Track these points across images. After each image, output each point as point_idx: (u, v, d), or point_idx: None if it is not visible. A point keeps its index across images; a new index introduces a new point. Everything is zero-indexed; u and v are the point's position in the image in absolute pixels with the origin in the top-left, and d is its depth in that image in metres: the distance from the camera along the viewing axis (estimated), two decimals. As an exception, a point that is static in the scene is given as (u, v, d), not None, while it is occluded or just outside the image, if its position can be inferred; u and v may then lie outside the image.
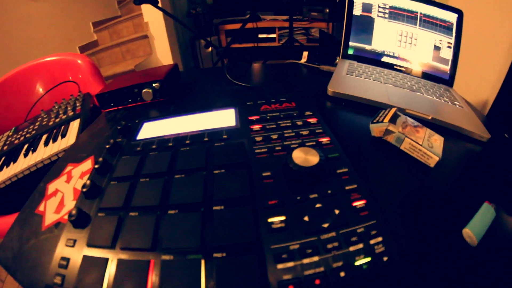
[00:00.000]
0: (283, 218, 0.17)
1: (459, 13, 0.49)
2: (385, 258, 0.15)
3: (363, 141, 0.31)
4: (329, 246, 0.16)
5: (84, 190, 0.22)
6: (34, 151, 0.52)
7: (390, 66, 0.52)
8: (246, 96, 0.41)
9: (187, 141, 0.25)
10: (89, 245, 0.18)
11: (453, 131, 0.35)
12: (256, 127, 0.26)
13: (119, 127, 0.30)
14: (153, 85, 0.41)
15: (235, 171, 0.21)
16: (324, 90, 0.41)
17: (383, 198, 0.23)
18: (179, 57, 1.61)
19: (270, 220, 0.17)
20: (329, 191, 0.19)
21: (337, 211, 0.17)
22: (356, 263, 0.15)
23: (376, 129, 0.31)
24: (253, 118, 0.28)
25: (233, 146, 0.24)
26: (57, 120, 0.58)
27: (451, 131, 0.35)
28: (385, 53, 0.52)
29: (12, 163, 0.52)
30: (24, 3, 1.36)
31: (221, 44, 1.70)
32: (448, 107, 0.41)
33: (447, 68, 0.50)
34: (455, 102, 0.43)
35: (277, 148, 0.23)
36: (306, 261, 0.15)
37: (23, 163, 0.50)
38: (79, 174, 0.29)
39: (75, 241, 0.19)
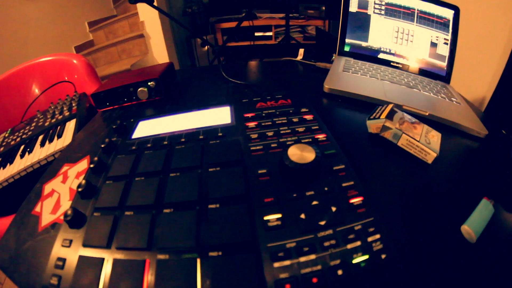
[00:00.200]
0: (279, 216, 0.17)
1: (456, 9, 0.48)
2: (383, 256, 0.15)
3: (360, 138, 0.31)
4: (326, 244, 0.15)
5: (80, 190, 0.22)
6: (30, 152, 0.51)
7: (386, 63, 0.51)
8: (242, 94, 0.41)
9: (182, 139, 0.25)
10: (85, 245, 0.18)
11: (451, 127, 0.35)
12: (252, 124, 0.26)
13: (114, 126, 0.29)
14: (149, 83, 0.40)
15: (230, 169, 0.20)
16: (320, 87, 0.41)
17: (381, 195, 0.23)
18: (175, 56, 1.60)
19: (266, 218, 0.17)
20: (325, 188, 0.19)
21: (334, 208, 0.17)
22: (354, 261, 0.15)
23: (373, 126, 0.31)
24: (249, 115, 0.27)
25: (228, 143, 0.23)
26: (53, 120, 0.58)
27: (448, 127, 0.35)
28: (382, 49, 0.52)
29: (8, 164, 0.51)
30: (20, 3, 1.33)
31: (217, 43, 1.69)
32: (445, 104, 0.40)
33: (443, 64, 0.50)
34: (452, 99, 0.42)
35: (272, 145, 0.23)
36: (303, 259, 0.15)
37: (19, 164, 0.49)
38: (75, 174, 0.29)
39: (71, 241, 0.19)
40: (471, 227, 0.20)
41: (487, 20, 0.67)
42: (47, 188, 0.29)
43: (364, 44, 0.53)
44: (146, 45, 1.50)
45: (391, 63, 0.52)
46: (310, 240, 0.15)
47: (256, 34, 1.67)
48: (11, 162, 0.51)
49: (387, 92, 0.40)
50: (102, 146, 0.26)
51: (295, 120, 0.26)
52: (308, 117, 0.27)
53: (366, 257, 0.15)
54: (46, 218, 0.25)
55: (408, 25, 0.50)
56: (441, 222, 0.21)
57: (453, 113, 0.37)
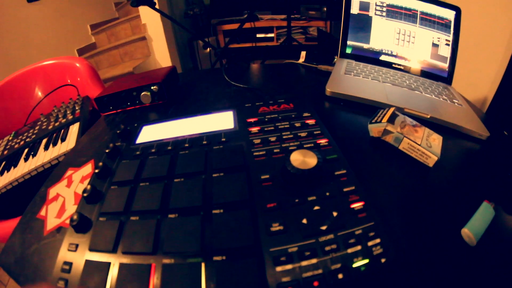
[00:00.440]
0: (281, 221, 0.17)
1: (457, 10, 0.49)
2: (383, 260, 0.16)
3: (362, 142, 0.31)
4: (327, 248, 0.16)
5: (85, 195, 0.23)
6: (34, 155, 0.52)
7: (388, 65, 0.52)
8: (245, 98, 0.41)
9: (186, 145, 0.26)
10: (91, 249, 0.19)
11: (452, 129, 0.35)
12: (254, 129, 0.26)
13: (118, 131, 0.30)
14: (152, 88, 0.41)
15: (234, 174, 0.21)
16: (322, 90, 0.41)
17: (382, 199, 0.23)
18: (177, 58, 1.61)
19: (269, 223, 0.17)
20: (327, 193, 0.19)
21: (335, 213, 0.18)
22: (354, 265, 0.15)
23: (374, 129, 0.31)
24: (251, 120, 0.28)
25: (231, 149, 0.24)
26: (57, 124, 0.59)
27: (450, 129, 0.35)
28: (383, 51, 0.52)
29: (12, 167, 0.52)
30: (22, 6, 1.36)
31: (219, 45, 1.70)
32: (447, 105, 0.41)
33: (445, 65, 0.50)
34: (454, 100, 0.43)
35: (275, 150, 0.23)
36: (304, 263, 0.15)
37: (23, 168, 0.50)
38: (79, 178, 0.30)
39: (77, 245, 0.20)
40: (471, 231, 0.20)
41: (488, 21, 0.67)
42: (52, 192, 0.30)
43: (365, 46, 0.53)
44: (148, 48, 1.52)
45: (393, 65, 0.52)
46: (312, 245, 0.16)
47: (258, 35, 1.69)
48: (15, 166, 0.52)
49: (389, 95, 0.41)
50: (107, 151, 0.27)
51: (297, 125, 0.27)
52: (310, 121, 0.27)
53: (366, 261, 0.15)
54: (52, 222, 0.26)
55: (409, 26, 0.51)
56: (442, 226, 0.21)
57: (455, 115, 0.38)
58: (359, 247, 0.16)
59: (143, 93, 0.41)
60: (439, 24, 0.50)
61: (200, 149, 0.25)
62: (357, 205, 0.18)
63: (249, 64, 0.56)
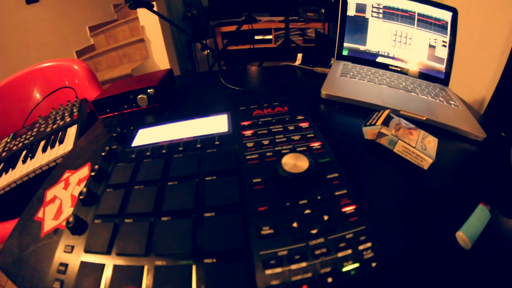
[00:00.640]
0: (272, 224, 0.18)
1: (454, 11, 0.49)
2: (373, 264, 0.16)
3: (357, 144, 0.32)
4: (317, 252, 0.16)
5: (81, 197, 0.23)
6: (32, 157, 0.53)
7: (385, 67, 0.52)
8: (240, 100, 0.42)
9: (180, 148, 0.26)
10: (87, 251, 0.19)
11: (449, 131, 0.35)
12: (248, 132, 0.27)
13: (114, 134, 0.31)
14: (148, 91, 0.42)
15: (226, 178, 0.21)
16: (318, 92, 0.42)
17: (376, 202, 0.23)
18: (175, 60, 1.62)
19: (259, 226, 0.18)
20: (318, 197, 0.19)
21: (326, 217, 0.18)
22: (344, 269, 0.15)
23: (369, 132, 0.31)
24: (245, 123, 0.29)
25: (224, 152, 0.24)
26: (55, 126, 0.59)
27: (446, 131, 0.35)
28: (380, 53, 0.53)
29: (11, 169, 0.53)
30: (21, 8, 1.37)
31: (217, 47, 1.71)
32: (443, 107, 0.41)
33: (442, 67, 0.50)
34: (451, 102, 0.43)
35: (268, 154, 0.24)
36: (294, 267, 0.15)
37: (21, 170, 0.51)
38: (76, 181, 0.30)
39: (73, 247, 0.20)
40: (466, 234, 0.20)
41: (485, 22, 0.68)
42: (49, 194, 0.30)
43: (362, 48, 0.54)
44: (147, 50, 1.53)
45: (390, 67, 0.52)
46: (302, 248, 0.16)
47: (256, 37, 1.70)
48: (13, 167, 0.53)
49: (385, 97, 0.41)
50: (103, 154, 0.28)
51: (290, 128, 0.27)
52: (304, 124, 0.28)
53: (356, 265, 0.16)
54: (49, 224, 0.26)
55: (406, 28, 0.51)
56: (436, 229, 0.21)
57: (451, 117, 0.38)
58: (349, 251, 0.16)
59: (139, 96, 0.42)
60: (436, 25, 0.50)
61: (194, 152, 0.25)
62: (348, 209, 0.19)
63: (246, 66, 0.56)
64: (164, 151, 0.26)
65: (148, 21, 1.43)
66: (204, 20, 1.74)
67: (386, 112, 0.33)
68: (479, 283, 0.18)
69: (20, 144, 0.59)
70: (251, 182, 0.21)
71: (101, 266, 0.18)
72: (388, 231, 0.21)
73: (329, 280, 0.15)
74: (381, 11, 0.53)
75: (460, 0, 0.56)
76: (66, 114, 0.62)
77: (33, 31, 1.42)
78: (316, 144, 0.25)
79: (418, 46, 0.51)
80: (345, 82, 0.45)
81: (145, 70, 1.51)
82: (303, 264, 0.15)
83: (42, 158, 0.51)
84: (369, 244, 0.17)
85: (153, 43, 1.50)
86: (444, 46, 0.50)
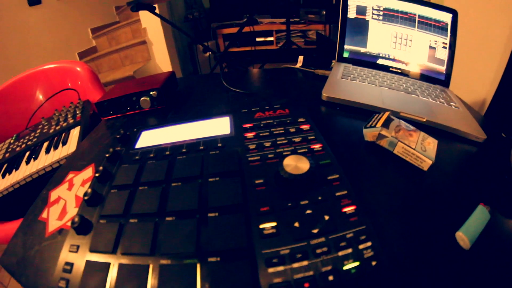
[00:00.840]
0: (274, 224, 0.18)
1: (454, 13, 0.49)
2: (373, 263, 0.16)
3: (357, 146, 0.32)
4: (319, 251, 0.17)
5: (86, 198, 0.24)
6: (35, 158, 0.53)
7: (385, 68, 0.52)
8: (242, 103, 0.42)
9: (184, 150, 0.27)
10: (92, 250, 0.20)
11: (449, 132, 0.36)
12: (250, 135, 0.27)
13: (118, 136, 0.31)
14: (151, 93, 0.43)
15: (229, 179, 0.22)
16: (318, 94, 0.42)
17: (376, 202, 0.24)
18: (177, 62, 1.64)
19: (261, 226, 0.18)
20: (319, 198, 0.20)
21: (327, 217, 0.18)
22: (345, 268, 0.16)
23: (369, 134, 0.32)
24: (247, 126, 0.29)
25: (227, 154, 0.25)
26: (58, 127, 0.60)
27: (446, 132, 0.36)
28: (381, 55, 0.53)
29: (14, 170, 0.54)
30: (23, 10, 1.39)
31: (219, 49, 1.73)
32: (444, 109, 0.41)
33: (442, 68, 0.51)
34: (451, 103, 0.43)
35: (269, 155, 0.24)
36: (295, 265, 0.16)
37: (25, 170, 0.52)
38: (80, 182, 0.31)
39: (78, 247, 0.21)
40: (466, 234, 0.20)
41: (486, 23, 0.68)
42: (53, 195, 0.31)
43: (363, 50, 0.54)
44: (149, 52, 1.55)
45: (390, 69, 0.53)
46: (303, 247, 0.17)
47: (258, 39, 1.71)
48: (16, 168, 0.53)
49: (385, 99, 0.41)
50: (107, 155, 0.28)
51: (292, 130, 0.28)
52: (305, 126, 0.28)
53: (356, 263, 0.16)
54: (53, 224, 0.27)
55: (406, 30, 0.51)
56: (436, 229, 0.21)
57: (451, 118, 0.38)
58: (350, 250, 0.17)
59: (142, 98, 0.43)
60: (436, 27, 0.51)
61: (197, 154, 0.26)
62: (349, 209, 0.19)
63: (247, 68, 0.57)
64: (167, 152, 0.27)
65: (150, 23, 1.45)
66: (206, 22, 1.76)
67: (386, 114, 0.34)
68: (478, 283, 0.18)
69: (23, 145, 0.60)
70: (253, 183, 0.21)
71: (107, 265, 0.18)
72: (388, 231, 0.21)
73: (330, 278, 0.15)
74: (381, 13, 0.53)
75: (460, 2, 0.56)
76: (69, 116, 0.62)
77: (35, 33, 1.43)
78: (317, 146, 0.25)
79: (418, 48, 0.51)
80: (346, 84, 0.45)
81: (147, 72, 1.52)
82: (305, 263, 0.16)
83: (46, 159, 0.51)
84: (369, 244, 0.17)
85: (155, 45, 1.51)
86: (445, 47, 0.51)
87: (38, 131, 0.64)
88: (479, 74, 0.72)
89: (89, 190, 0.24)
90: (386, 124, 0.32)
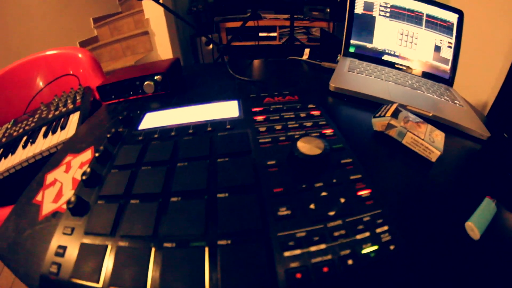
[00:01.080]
0: (289, 206, 0.16)
1: (460, 13, 0.48)
2: (391, 247, 0.15)
3: (364, 136, 0.31)
4: (336, 234, 0.15)
5: (84, 177, 0.22)
6: (33, 143, 0.51)
7: (390, 65, 0.51)
8: (249, 90, 0.40)
9: (190, 131, 0.25)
10: (87, 232, 0.18)
11: (453, 128, 0.35)
12: (260, 118, 0.26)
13: (120, 117, 0.29)
14: (155, 77, 0.40)
15: (239, 159, 0.20)
16: (325, 86, 0.41)
17: (385, 192, 0.23)
18: (179, 54, 1.59)
19: (276, 207, 0.16)
20: (334, 180, 0.18)
21: (342, 200, 0.17)
22: (363, 251, 0.15)
23: (378, 123, 0.31)
24: (257, 109, 0.27)
25: (236, 135, 0.23)
26: (57, 112, 0.57)
27: (451, 128, 0.35)
28: (386, 51, 0.52)
29: (10, 154, 0.51)
30: (25, -3, 1.33)
31: (221, 42, 1.69)
32: (449, 106, 0.40)
33: (447, 67, 0.50)
34: (456, 101, 0.42)
35: (281, 138, 0.23)
36: (313, 248, 0.14)
37: (21, 155, 0.49)
38: (78, 164, 0.28)
39: (73, 229, 0.19)
40: (475, 224, 0.20)
41: (490, 24, 0.68)
42: (49, 177, 0.29)
43: (369, 45, 0.53)
44: (151, 42, 1.50)
45: (395, 65, 0.52)
46: (320, 230, 0.15)
47: (261, 34, 1.68)
48: (13, 153, 0.50)
49: (392, 93, 0.40)
50: (108, 135, 0.26)
51: (302, 115, 0.26)
52: (315, 112, 0.27)
53: (375, 247, 0.15)
54: (47, 207, 0.25)
55: (412, 27, 0.51)
56: (444, 219, 0.21)
57: (456, 115, 0.37)
58: (367, 234, 0.15)
59: (146, 83, 0.40)
60: (442, 26, 0.50)
61: (205, 135, 0.24)
62: (364, 193, 0.18)
63: (252, 59, 0.55)
64: (173, 133, 0.25)
65: (153, 13, 1.41)
66: (209, 15, 1.71)
67: (395, 105, 0.32)
68: (487, 272, 0.17)
69: (20, 130, 0.57)
70: (265, 164, 0.20)
71: (104, 248, 0.16)
72: (397, 220, 0.20)
73: (350, 262, 0.14)
74: (388, 10, 0.52)
75: (466, 3, 0.55)
76: (69, 101, 0.59)
77: (37, 20, 1.38)
78: (328, 131, 0.24)
79: (424, 46, 0.50)
80: (353, 77, 0.44)
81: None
82: (322, 246, 0.14)
83: (43, 144, 0.49)
84: (386, 228, 0.16)
85: (157, 36, 1.47)
86: (450, 47, 0.50)
87: (37, 116, 0.60)
88: (482, 75, 0.71)
89: (88, 169, 0.22)
90: (395, 115, 0.30)
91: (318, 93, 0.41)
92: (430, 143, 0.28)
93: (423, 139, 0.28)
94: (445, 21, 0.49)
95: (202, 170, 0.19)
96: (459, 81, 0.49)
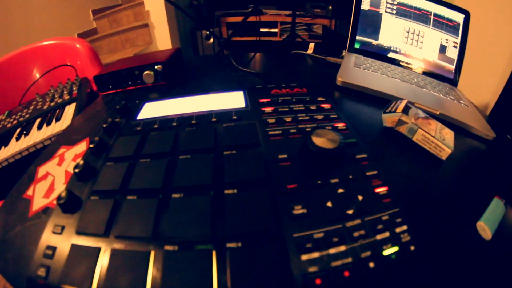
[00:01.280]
0: (304, 203, 0.15)
1: (466, 13, 0.47)
2: (412, 248, 0.13)
3: (373, 132, 0.29)
4: (356, 234, 0.13)
5: (77, 170, 0.19)
6: (26, 134, 0.47)
7: (395, 62, 0.50)
8: (253, 82, 0.38)
9: (193, 121, 0.22)
10: (79, 232, 0.15)
11: (459, 127, 0.34)
12: (268, 109, 0.23)
13: (118, 107, 0.27)
14: (156, 67, 0.38)
15: (248, 151, 0.18)
16: (331, 80, 0.39)
17: (394, 189, 0.21)
18: (179, 47, 1.54)
19: (290, 205, 0.15)
20: (350, 176, 0.17)
21: (360, 197, 0.15)
22: (384, 253, 0.13)
23: (388, 119, 0.29)
24: (264, 100, 0.25)
25: (244, 127, 0.21)
26: (52, 104, 0.54)
27: (456, 128, 0.34)
28: (392, 49, 0.50)
29: (3, 147, 0.47)
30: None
31: (222, 37, 1.64)
32: (455, 105, 0.39)
33: (452, 67, 0.49)
34: (461, 101, 0.41)
35: (292, 131, 0.20)
36: (332, 251, 0.13)
37: (14, 147, 0.46)
38: (72, 156, 0.26)
39: (63, 227, 0.16)
40: (487, 224, 0.19)
41: (494, 26, 0.66)
42: (41, 170, 0.26)
43: (374, 42, 0.51)
44: (150, 35, 1.45)
45: (400, 63, 0.50)
46: (339, 230, 0.13)
47: (262, 30, 1.63)
48: (5, 145, 0.47)
49: (399, 89, 0.39)
50: (104, 125, 0.24)
51: (312, 107, 0.24)
52: (326, 106, 0.25)
53: (396, 248, 0.13)
54: (38, 202, 0.22)
55: (418, 26, 0.49)
56: (455, 218, 0.19)
57: (462, 114, 0.36)
58: (387, 234, 0.14)
59: (146, 72, 0.38)
60: (448, 26, 0.49)
61: (209, 126, 0.21)
62: (381, 190, 0.16)
63: (255, 52, 0.52)
64: (174, 124, 0.22)
65: (154, 6, 1.35)
66: (210, 9, 1.66)
67: (405, 101, 0.31)
68: (500, 273, 0.16)
69: (15, 122, 0.53)
70: (277, 158, 0.18)
71: (96, 251, 0.14)
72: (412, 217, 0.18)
73: (371, 265, 0.12)
74: (395, 7, 0.51)
75: (470, 4, 0.54)
76: (65, 92, 0.56)
77: (36, 11, 1.32)
78: (340, 125, 0.22)
79: (429, 45, 0.49)
80: (360, 72, 0.42)
81: (148, 57, 1.42)
82: (342, 248, 0.13)
83: (37, 136, 0.46)
84: (405, 227, 0.14)
85: (157, 29, 1.42)
86: (455, 47, 0.49)
87: (32, 107, 0.57)
88: (484, 77, 0.70)
89: (81, 162, 0.20)
90: (405, 111, 0.29)
91: (325, 87, 0.39)
92: (441, 140, 0.27)
93: (434, 137, 0.27)
94: (451, 20, 0.48)
95: (207, 164, 0.17)
96: (461, 82, 0.48)
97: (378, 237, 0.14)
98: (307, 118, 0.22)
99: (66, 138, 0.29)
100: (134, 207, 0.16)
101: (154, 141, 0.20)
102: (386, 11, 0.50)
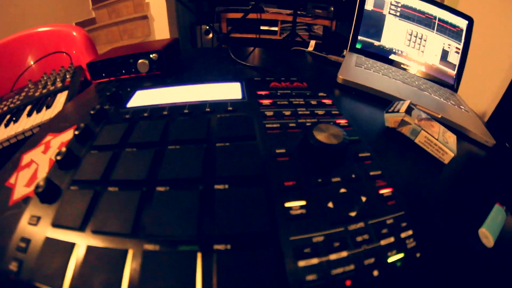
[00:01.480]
0: (303, 203, 0.13)
1: (470, 20, 0.46)
2: (417, 254, 0.12)
3: (374, 132, 0.28)
4: (359, 238, 0.12)
5: (58, 158, 0.17)
6: (16, 121, 0.45)
7: (397, 64, 0.49)
8: (252, 75, 0.36)
9: (186, 111, 0.20)
10: (55, 224, 0.14)
11: (459, 133, 0.33)
12: (266, 102, 0.22)
13: (108, 93, 0.25)
14: (151, 56, 0.35)
15: (243, 144, 0.16)
16: (332, 78, 0.37)
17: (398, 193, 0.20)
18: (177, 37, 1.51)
19: (287, 205, 0.13)
20: (353, 175, 0.15)
21: (364, 198, 0.14)
22: (389, 260, 0.11)
23: (391, 119, 0.28)
24: (262, 93, 0.23)
25: (239, 118, 0.19)
26: (44, 91, 0.51)
27: (456, 132, 0.33)
28: (393, 51, 0.49)
29: (-11, 133, 0.45)
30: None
31: (221, 32, 1.61)
32: (455, 110, 0.38)
33: (453, 72, 0.48)
34: (461, 106, 0.41)
35: (291, 125, 0.19)
36: (333, 257, 0.11)
37: (3, 134, 0.43)
38: (58, 144, 0.24)
39: (39, 218, 0.15)
40: (489, 231, 0.18)
41: (495, 34, 0.66)
42: (26, 158, 0.24)
43: (376, 43, 0.50)
44: (149, 27, 1.41)
45: (401, 65, 0.49)
46: (340, 234, 0.12)
47: (262, 27, 1.60)
48: (-7, 131, 0.45)
49: (400, 90, 0.38)
50: (92, 112, 0.22)
51: (313, 102, 0.22)
52: (327, 101, 0.23)
53: (401, 255, 0.12)
54: (20, 191, 0.20)
55: (421, 29, 0.48)
56: (457, 224, 0.18)
57: (464, 120, 0.36)
58: (392, 239, 0.12)
59: (140, 61, 0.35)
60: (451, 31, 0.48)
61: (202, 116, 0.20)
62: (385, 191, 0.15)
63: (255, 47, 0.50)
64: (165, 112, 0.20)
65: (154, -2, 1.31)
66: (211, 4, 1.62)
67: (407, 102, 0.30)
68: (504, 281, 0.15)
69: (5, 108, 0.50)
70: (274, 152, 0.16)
71: (70, 246, 0.12)
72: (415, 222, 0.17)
73: (375, 273, 0.11)
74: (399, 9, 0.49)
75: (473, 10, 0.53)
76: (58, 80, 0.53)
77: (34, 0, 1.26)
78: (342, 121, 0.20)
79: (431, 49, 0.48)
80: (361, 71, 0.41)
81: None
82: (344, 254, 0.11)
83: (26, 123, 0.43)
84: (410, 232, 0.13)
85: (156, 21, 1.38)
86: (457, 52, 0.48)
87: (23, 94, 0.54)
88: (483, 84, 0.70)
89: (63, 149, 0.18)
90: (408, 111, 0.27)
91: (325, 84, 0.37)
92: (444, 144, 0.25)
93: (437, 139, 0.25)
94: (455, 26, 0.47)
95: (197, 156, 0.15)
96: (461, 88, 0.47)
97: (383, 242, 0.12)
98: (308, 112, 0.21)
99: (54, 125, 0.27)
100: (115, 199, 0.14)
101: (142, 130, 0.18)
102: (389, 13, 0.49)
